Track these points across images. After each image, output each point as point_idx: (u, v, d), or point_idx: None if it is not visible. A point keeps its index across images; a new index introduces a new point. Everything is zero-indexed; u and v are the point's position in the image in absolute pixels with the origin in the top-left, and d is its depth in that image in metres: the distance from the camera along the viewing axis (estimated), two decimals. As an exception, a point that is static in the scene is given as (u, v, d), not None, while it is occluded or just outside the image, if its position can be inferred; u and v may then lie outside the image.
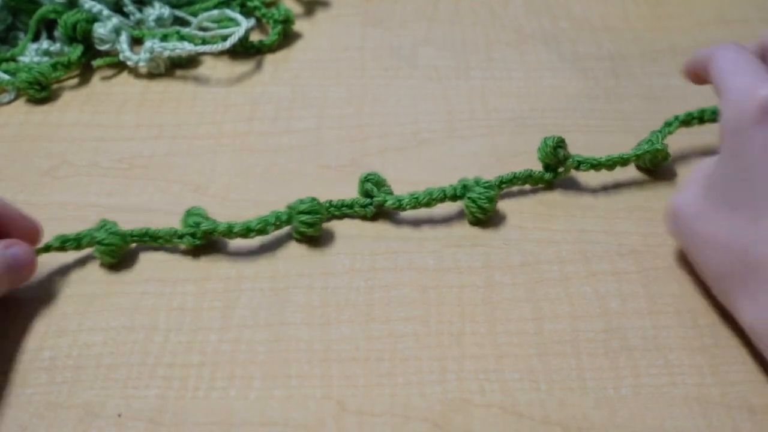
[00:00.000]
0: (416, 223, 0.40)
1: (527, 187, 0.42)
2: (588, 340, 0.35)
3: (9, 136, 0.45)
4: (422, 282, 0.37)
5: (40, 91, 0.47)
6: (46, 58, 0.50)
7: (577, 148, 0.43)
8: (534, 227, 0.40)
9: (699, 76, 0.37)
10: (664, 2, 0.56)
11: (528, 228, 0.40)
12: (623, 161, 0.41)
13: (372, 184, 0.40)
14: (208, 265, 0.38)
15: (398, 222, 0.40)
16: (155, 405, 0.32)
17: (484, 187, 0.39)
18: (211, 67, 0.51)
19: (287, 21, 0.52)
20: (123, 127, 0.46)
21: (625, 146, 0.42)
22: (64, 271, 0.38)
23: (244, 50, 0.51)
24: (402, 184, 0.40)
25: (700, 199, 0.34)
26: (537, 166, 0.41)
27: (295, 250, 0.39)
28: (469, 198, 0.39)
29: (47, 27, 0.52)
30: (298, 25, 0.54)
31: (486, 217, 0.39)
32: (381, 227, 0.40)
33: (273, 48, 0.52)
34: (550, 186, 0.42)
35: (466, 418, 0.32)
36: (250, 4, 0.53)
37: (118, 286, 0.37)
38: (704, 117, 0.44)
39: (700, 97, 0.47)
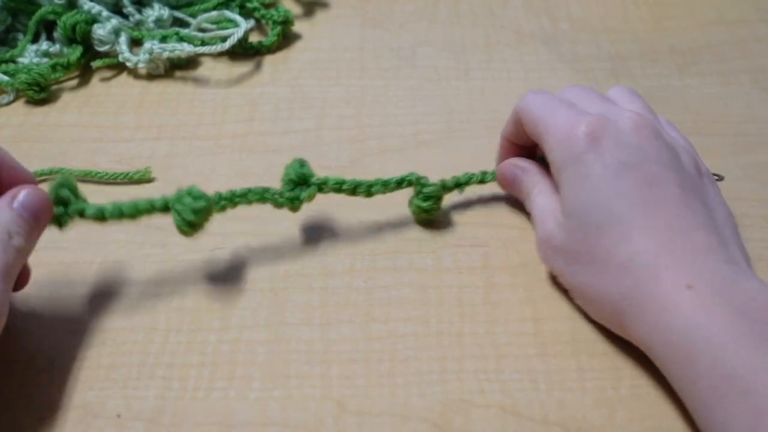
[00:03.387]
0: (415, 222, 0.40)
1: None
2: (587, 341, 0.35)
3: (8, 137, 0.45)
4: (422, 282, 0.37)
5: (40, 92, 0.47)
6: (45, 60, 0.50)
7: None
8: (534, 227, 0.40)
9: (510, 151, 0.40)
10: (664, 3, 0.56)
11: (527, 228, 0.40)
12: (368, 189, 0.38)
13: (69, 191, 0.34)
14: (207, 265, 0.38)
15: (397, 222, 0.40)
16: (155, 405, 0.32)
17: (194, 198, 0.34)
18: (210, 68, 0.51)
19: (286, 22, 0.52)
20: (122, 128, 0.46)
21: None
22: (64, 271, 0.38)
23: (243, 51, 0.51)
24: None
25: (561, 232, 0.35)
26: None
27: (294, 250, 0.39)
28: (175, 210, 0.34)
29: (47, 28, 0.51)
30: (298, 26, 0.54)
31: (195, 232, 0.34)
32: (380, 227, 0.40)
33: (272, 49, 0.52)
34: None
35: (466, 418, 0.32)
36: (249, 5, 0.53)
37: (118, 286, 0.37)
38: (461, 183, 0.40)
39: (699, 99, 0.48)
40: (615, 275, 0.32)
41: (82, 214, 0.33)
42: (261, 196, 0.37)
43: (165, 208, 0.34)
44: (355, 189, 0.38)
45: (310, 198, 0.38)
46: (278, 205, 0.37)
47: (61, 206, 0.33)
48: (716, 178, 0.37)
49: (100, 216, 0.34)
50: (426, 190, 0.39)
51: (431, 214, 0.40)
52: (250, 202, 0.37)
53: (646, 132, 0.34)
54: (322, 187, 0.38)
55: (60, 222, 0.33)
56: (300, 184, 0.37)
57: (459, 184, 0.40)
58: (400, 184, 0.39)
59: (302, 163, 0.38)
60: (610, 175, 0.33)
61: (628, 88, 0.38)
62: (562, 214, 0.35)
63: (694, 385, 0.29)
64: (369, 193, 0.38)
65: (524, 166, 0.39)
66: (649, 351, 0.32)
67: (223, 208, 0.36)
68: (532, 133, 0.37)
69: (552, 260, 0.36)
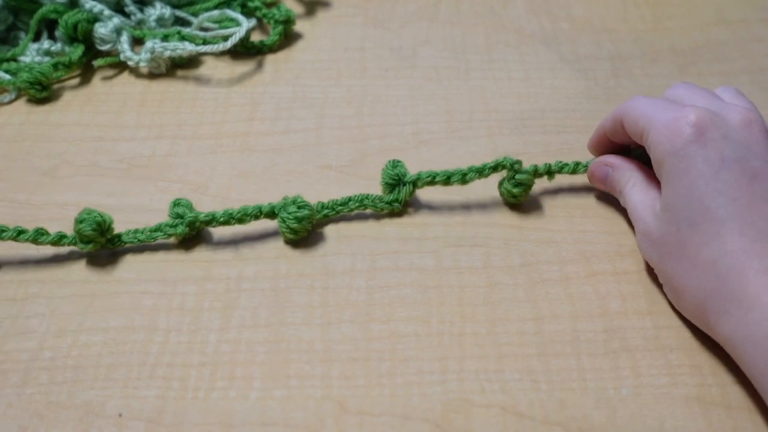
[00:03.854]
0: (416, 222, 0.40)
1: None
2: (588, 341, 0.35)
3: (9, 136, 0.45)
4: (423, 282, 0.37)
5: (41, 91, 0.47)
6: (47, 58, 0.50)
7: (577, 148, 0.43)
8: (534, 227, 0.40)
9: (603, 143, 0.40)
10: (664, 3, 0.56)
11: (528, 228, 0.40)
12: (463, 176, 0.39)
13: (185, 207, 0.39)
14: (208, 265, 0.38)
15: (398, 222, 0.40)
16: (155, 405, 0.32)
17: (298, 207, 0.38)
18: (211, 68, 0.51)
19: (288, 21, 0.52)
20: (123, 127, 0.46)
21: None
22: (64, 271, 0.38)
23: (244, 50, 0.51)
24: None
25: (658, 226, 0.35)
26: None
27: (295, 250, 0.39)
28: (281, 217, 0.38)
29: (48, 27, 0.52)
30: (299, 26, 0.54)
31: (298, 238, 0.39)
32: (381, 227, 0.40)
33: (274, 48, 0.52)
34: (551, 185, 0.42)
35: (467, 418, 0.32)
36: (251, 4, 0.53)
37: (118, 286, 0.37)
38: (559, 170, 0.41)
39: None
40: (702, 273, 0.32)
41: (195, 222, 0.38)
42: (361, 203, 0.39)
43: (271, 214, 0.38)
44: (449, 179, 0.39)
45: (408, 197, 0.39)
46: (379, 210, 0.40)
47: (180, 219, 0.38)
48: None
49: (210, 222, 0.38)
50: (518, 177, 0.39)
51: (519, 200, 0.40)
52: (351, 210, 0.40)
53: (755, 127, 0.34)
54: (416, 183, 0.39)
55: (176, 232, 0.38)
56: (396, 185, 0.39)
57: (550, 172, 0.40)
58: (494, 168, 0.39)
59: (395, 164, 0.40)
60: (710, 171, 0.32)
61: (733, 87, 0.38)
62: (660, 206, 0.35)
63: None
64: (464, 181, 0.39)
65: (614, 163, 0.39)
66: (732, 350, 0.32)
67: (325, 216, 0.39)
68: (634, 131, 0.37)
69: (648, 253, 0.36)
